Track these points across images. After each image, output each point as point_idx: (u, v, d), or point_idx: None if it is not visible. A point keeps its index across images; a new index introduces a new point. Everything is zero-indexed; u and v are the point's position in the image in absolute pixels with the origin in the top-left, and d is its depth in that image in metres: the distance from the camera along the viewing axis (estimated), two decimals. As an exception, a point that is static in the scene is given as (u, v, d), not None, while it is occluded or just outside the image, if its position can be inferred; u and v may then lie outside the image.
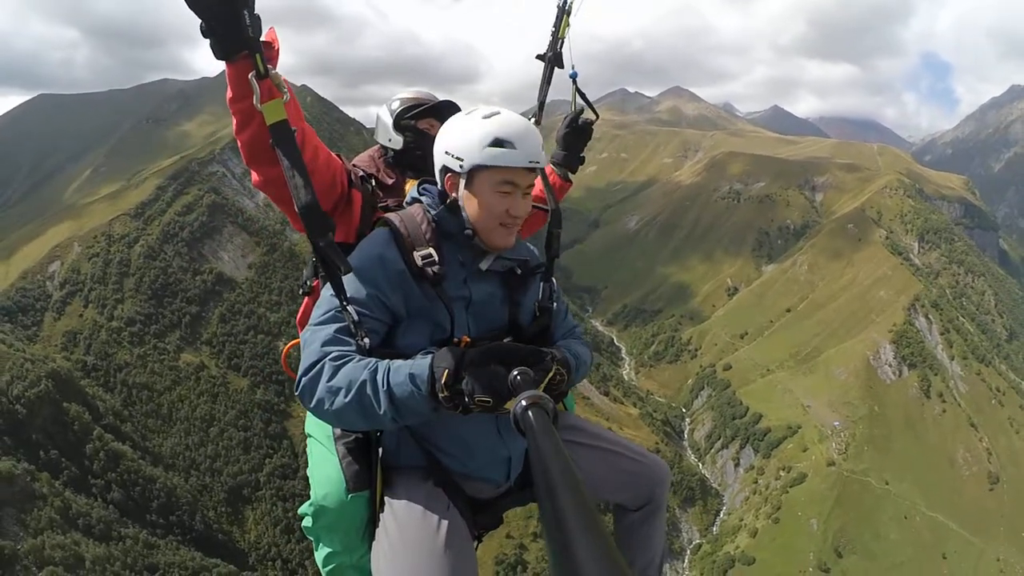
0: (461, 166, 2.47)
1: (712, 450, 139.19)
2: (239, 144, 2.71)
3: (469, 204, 2.51)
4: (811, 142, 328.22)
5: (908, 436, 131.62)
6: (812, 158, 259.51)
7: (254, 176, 2.81)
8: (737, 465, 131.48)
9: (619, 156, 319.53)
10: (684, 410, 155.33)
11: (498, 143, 2.40)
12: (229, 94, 2.54)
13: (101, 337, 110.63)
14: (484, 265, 2.56)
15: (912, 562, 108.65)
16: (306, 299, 3.35)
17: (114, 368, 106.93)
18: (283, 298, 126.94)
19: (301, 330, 3.04)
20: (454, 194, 2.55)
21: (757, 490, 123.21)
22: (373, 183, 3.30)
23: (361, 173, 3.28)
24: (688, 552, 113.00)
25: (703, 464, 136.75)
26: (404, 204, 2.78)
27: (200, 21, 2.20)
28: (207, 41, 2.29)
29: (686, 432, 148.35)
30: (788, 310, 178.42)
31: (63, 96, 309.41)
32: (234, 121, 2.64)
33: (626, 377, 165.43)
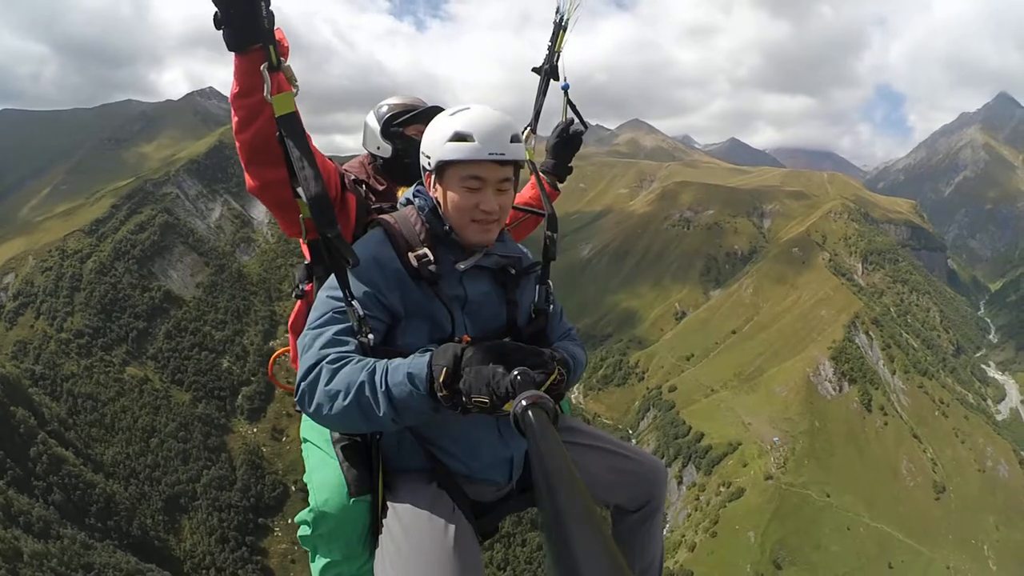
0: (430, 163, 2.48)
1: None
2: (239, 144, 2.71)
3: (443, 201, 2.51)
4: (763, 171, 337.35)
5: (850, 449, 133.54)
6: (762, 187, 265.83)
7: (249, 180, 2.81)
8: (680, 483, 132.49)
9: (577, 186, 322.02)
10: (630, 431, 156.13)
11: (458, 137, 2.39)
12: (235, 89, 2.53)
13: (50, 348, 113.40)
14: (464, 264, 2.52)
15: (856, 572, 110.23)
16: (299, 303, 3.28)
17: (61, 378, 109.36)
18: (228, 317, 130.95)
19: (292, 334, 3.22)
20: (432, 193, 2.57)
21: (698, 506, 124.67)
22: (364, 188, 3.33)
23: (352, 177, 3.32)
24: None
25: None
26: (398, 206, 2.81)
27: (215, 10, 2.21)
28: (220, 32, 2.31)
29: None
30: (733, 332, 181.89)
31: (27, 112, 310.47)
32: (236, 119, 2.63)
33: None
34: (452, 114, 2.48)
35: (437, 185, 2.52)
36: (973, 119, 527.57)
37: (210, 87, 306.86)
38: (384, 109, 3.52)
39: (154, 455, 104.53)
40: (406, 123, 3.45)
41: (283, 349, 3.75)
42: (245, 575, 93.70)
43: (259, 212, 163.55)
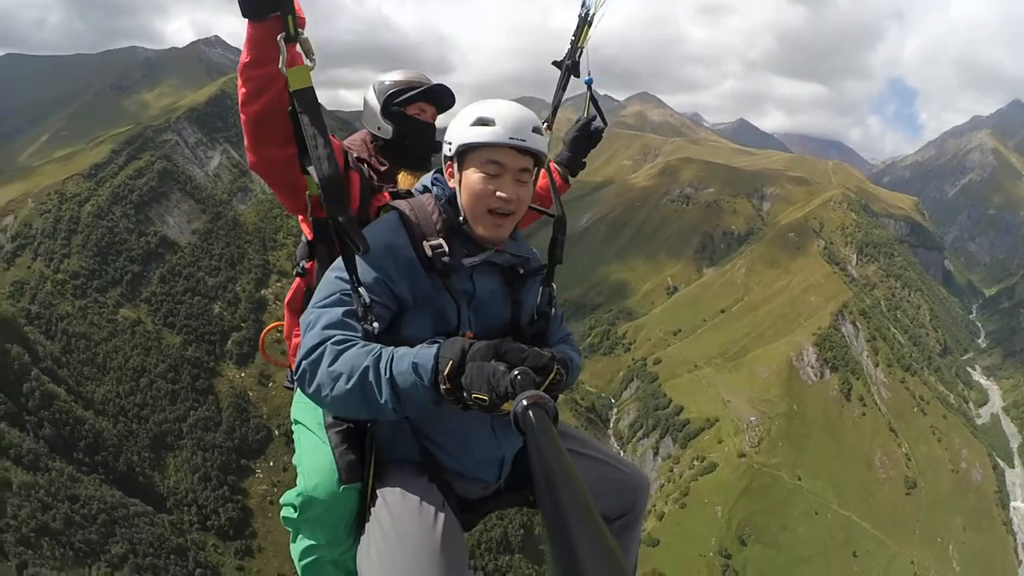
0: (451, 149, 2.47)
1: (634, 439, 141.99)
2: (244, 118, 2.62)
3: (461, 189, 2.49)
4: (768, 155, 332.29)
5: (825, 436, 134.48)
6: (765, 169, 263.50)
7: (252, 157, 2.74)
8: (656, 454, 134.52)
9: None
10: (613, 400, 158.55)
11: (481, 122, 2.39)
12: (245, 59, 2.45)
13: (46, 288, 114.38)
14: (471, 260, 2.48)
15: (820, 556, 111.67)
16: (297, 280, 3.23)
17: (56, 317, 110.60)
18: (222, 264, 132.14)
19: (288, 311, 3.23)
20: (451, 183, 2.54)
21: (671, 478, 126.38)
22: (366, 167, 3.21)
23: (355, 155, 3.19)
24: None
25: (624, 452, 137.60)
26: (414, 192, 2.76)
27: None
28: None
29: (612, 421, 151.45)
30: (722, 311, 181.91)
31: (30, 57, 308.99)
32: (243, 91, 2.54)
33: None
34: (477, 104, 2.49)
35: (457, 172, 2.51)
36: (985, 123, 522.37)
37: (216, 36, 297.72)
38: (386, 85, 3.36)
39: (143, 395, 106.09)
40: (408, 101, 3.31)
41: (275, 324, 3.78)
42: (225, 513, 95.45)
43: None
